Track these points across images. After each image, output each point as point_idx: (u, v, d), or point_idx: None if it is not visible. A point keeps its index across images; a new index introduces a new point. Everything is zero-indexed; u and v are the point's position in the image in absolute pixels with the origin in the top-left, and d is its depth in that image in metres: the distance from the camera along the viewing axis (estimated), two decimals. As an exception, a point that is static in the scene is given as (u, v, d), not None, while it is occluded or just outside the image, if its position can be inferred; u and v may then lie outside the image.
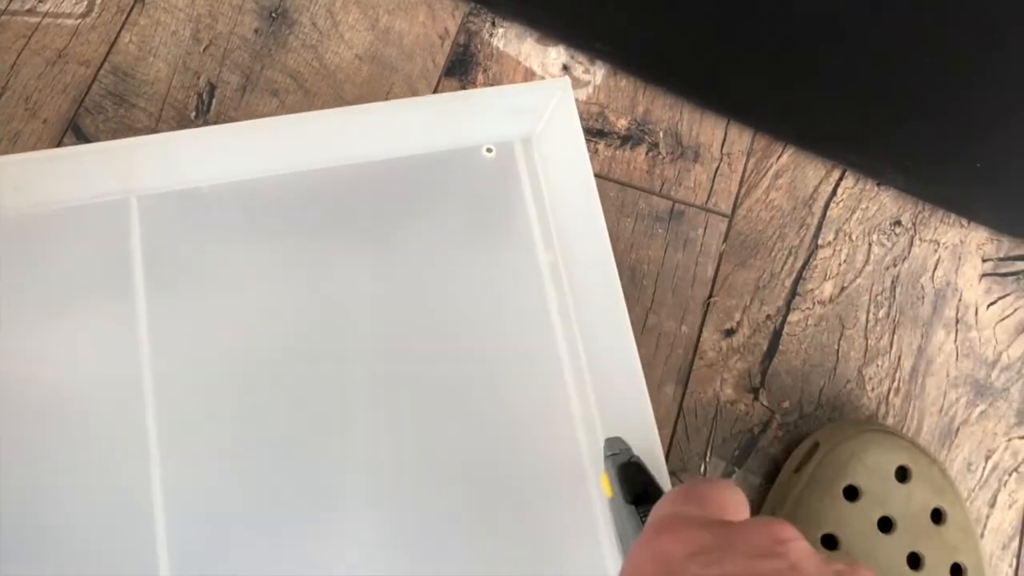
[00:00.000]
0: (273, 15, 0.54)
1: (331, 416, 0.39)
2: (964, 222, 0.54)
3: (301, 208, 0.40)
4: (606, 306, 0.39)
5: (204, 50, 0.53)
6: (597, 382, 0.41)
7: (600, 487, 0.37)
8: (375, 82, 0.53)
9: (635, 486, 0.34)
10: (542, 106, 0.40)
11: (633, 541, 0.29)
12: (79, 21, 0.52)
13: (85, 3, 0.53)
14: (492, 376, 0.40)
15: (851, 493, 0.44)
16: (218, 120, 0.51)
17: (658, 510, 0.29)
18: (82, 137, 0.50)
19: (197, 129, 0.37)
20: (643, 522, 0.31)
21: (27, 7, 0.52)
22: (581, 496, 0.40)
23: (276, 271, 0.39)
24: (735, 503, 0.29)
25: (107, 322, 0.38)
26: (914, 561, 0.43)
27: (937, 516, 0.44)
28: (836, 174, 0.54)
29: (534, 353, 0.41)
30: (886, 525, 0.43)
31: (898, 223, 0.54)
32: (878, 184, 0.54)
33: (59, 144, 0.50)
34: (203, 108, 0.52)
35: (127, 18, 0.53)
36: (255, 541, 0.38)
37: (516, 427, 0.41)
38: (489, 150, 0.42)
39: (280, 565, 0.37)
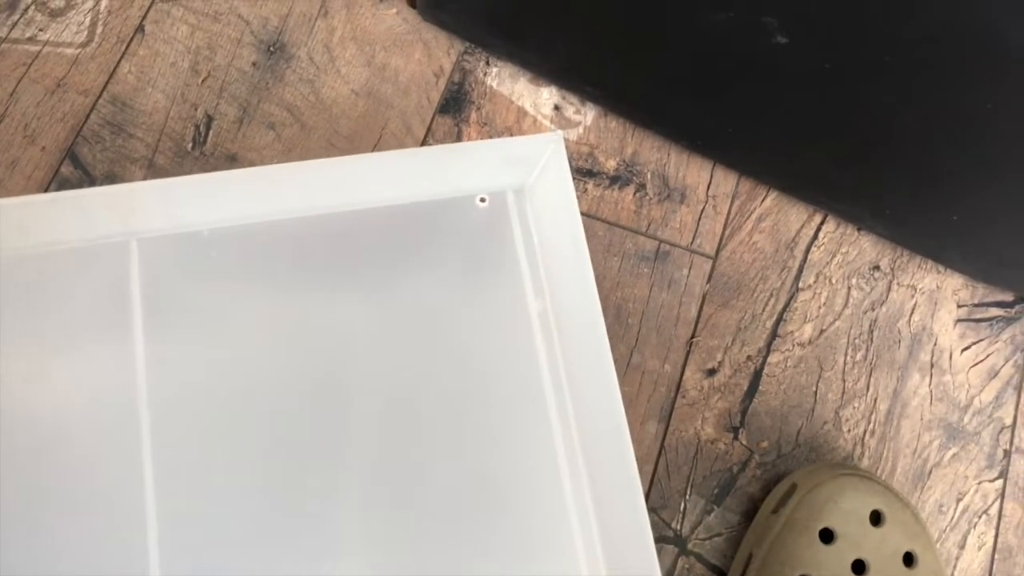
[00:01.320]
0: (271, 49, 0.55)
1: (324, 458, 0.40)
2: (940, 268, 0.56)
3: (297, 253, 0.41)
4: (592, 355, 0.40)
5: (202, 82, 0.54)
6: (582, 425, 0.42)
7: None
8: (370, 117, 0.54)
9: None
10: (535, 158, 0.42)
11: None
12: (79, 51, 0.53)
13: (86, 33, 0.54)
14: (482, 419, 0.41)
15: (827, 536, 0.45)
16: (214, 152, 0.52)
17: None
18: (79, 166, 0.51)
19: (197, 176, 0.38)
20: None
21: (27, 35, 0.53)
22: (563, 536, 0.41)
23: (272, 313, 0.40)
24: None
25: (105, 363, 0.38)
26: (886, 603, 0.44)
27: (909, 559, 0.45)
28: (818, 218, 0.56)
29: (522, 397, 0.42)
30: (860, 567, 0.45)
31: (877, 268, 0.55)
32: (858, 229, 0.56)
33: (56, 172, 0.51)
34: (200, 139, 0.52)
35: (127, 48, 0.54)
36: (250, 568, 0.39)
37: (503, 467, 0.42)
38: (483, 199, 0.43)
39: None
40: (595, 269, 0.45)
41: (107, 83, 0.53)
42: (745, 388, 0.52)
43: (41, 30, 0.53)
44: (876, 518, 0.46)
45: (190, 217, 0.39)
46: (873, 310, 0.55)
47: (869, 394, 0.53)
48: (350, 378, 0.40)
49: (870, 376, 0.53)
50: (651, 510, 0.50)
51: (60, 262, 0.38)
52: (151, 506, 0.38)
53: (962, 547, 0.51)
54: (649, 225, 0.54)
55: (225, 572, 0.38)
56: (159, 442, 0.38)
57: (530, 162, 0.42)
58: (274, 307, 0.40)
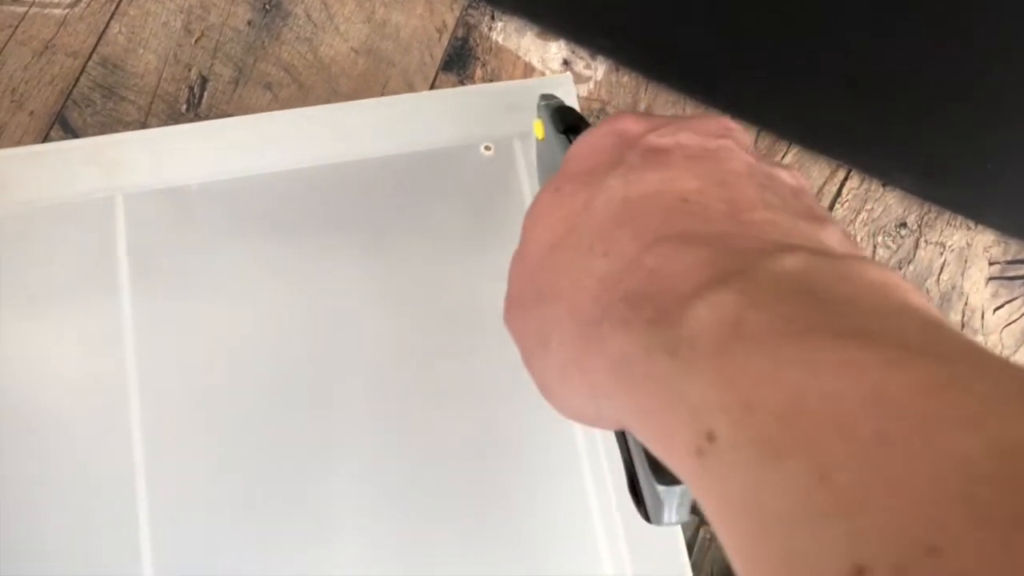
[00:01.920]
0: (267, 7, 0.52)
1: (321, 418, 0.38)
2: (971, 224, 0.53)
3: (292, 207, 0.39)
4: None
5: (195, 42, 0.51)
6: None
7: (533, 134, 0.37)
8: (371, 76, 0.52)
9: (568, 120, 0.34)
10: (543, 103, 0.39)
11: None
12: (67, 11, 0.51)
13: (73, -8, 0.51)
14: (489, 380, 0.39)
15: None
16: (210, 114, 0.50)
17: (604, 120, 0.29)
18: (69, 130, 0.49)
19: (185, 125, 0.36)
20: None
21: (13, -4, 0.51)
22: (579, 500, 0.39)
23: (266, 272, 0.38)
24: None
25: (92, 322, 0.36)
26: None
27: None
28: (841, 174, 0.53)
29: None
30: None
31: (904, 225, 0.53)
32: (884, 185, 0.53)
33: (46, 137, 0.49)
34: (194, 101, 0.50)
35: (116, 8, 0.52)
36: (243, 549, 0.37)
37: (514, 430, 0.40)
38: (488, 147, 0.41)
39: (267, 567, 0.36)
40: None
41: (96, 44, 0.51)
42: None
43: (27, -10, 0.51)
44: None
45: (178, 171, 0.37)
46: (900, 269, 0.52)
47: (898, 356, 0.51)
48: (349, 337, 0.38)
49: (898, 337, 0.51)
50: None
51: (42, 220, 0.36)
52: (140, 472, 0.37)
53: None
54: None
55: (216, 539, 0.36)
56: (147, 401, 0.36)
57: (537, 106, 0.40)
58: (268, 264, 0.38)
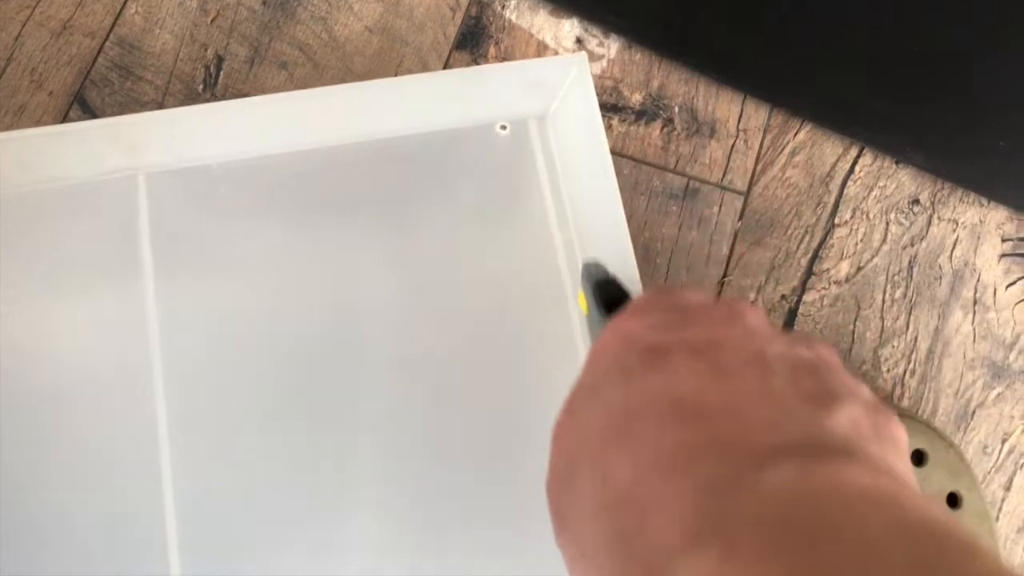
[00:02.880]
0: (281, -14, 0.53)
1: (344, 395, 0.38)
2: (984, 201, 0.53)
3: (310, 186, 0.39)
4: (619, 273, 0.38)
5: (211, 22, 0.52)
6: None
7: (578, 305, 0.37)
8: (385, 55, 0.52)
9: (610, 298, 0.34)
10: (558, 82, 0.39)
11: None
12: (84, -9, 0.51)
13: (90, -27, 0.52)
14: (507, 356, 0.40)
15: (866, 476, 0.43)
16: (226, 93, 0.51)
17: (627, 305, 0.30)
18: (88, 110, 0.49)
19: (205, 105, 0.36)
20: None
21: (31, -23, 0.51)
22: None
23: (286, 250, 0.39)
24: (701, 298, 0.30)
25: (115, 302, 0.37)
26: (929, 545, 0.42)
27: (953, 500, 0.44)
28: (854, 151, 0.53)
29: (548, 333, 0.40)
30: (901, 509, 0.43)
31: (916, 202, 0.53)
32: (896, 162, 0.53)
33: (65, 117, 0.49)
34: (211, 81, 0.51)
35: (133, -12, 0.52)
36: (267, 527, 0.38)
37: (531, 407, 0.41)
38: (503, 127, 0.41)
39: (291, 544, 0.37)
40: (621, 207, 0.43)
41: (114, 24, 0.51)
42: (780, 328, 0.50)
43: (45, -29, 0.52)
44: (919, 458, 0.44)
45: (198, 150, 0.37)
46: (912, 246, 0.52)
47: (909, 332, 0.51)
48: (366, 315, 0.39)
49: (910, 314, 0.51)
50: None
51: (64, 199, 0.37)
52: (165, 452, 0.37)
53: (1008, 488, 0.49)
54: (677, 162, 0.52)
55: (240, 509, 0.37)
56: (171, 379, 0.37)
57: (552, 86, 0.40)
58: (288, 243, 0.39)
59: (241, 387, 0.38)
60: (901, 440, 0.24)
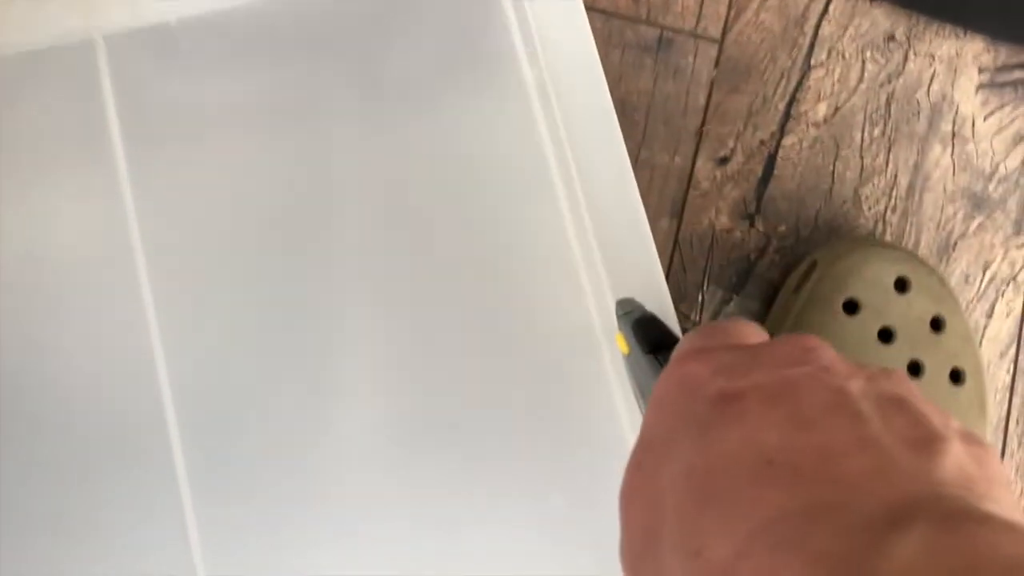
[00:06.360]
0: None
1: (325, 250, 0.38)
2: (960, 33, 0.52)
3: (278, 37, 0.38)
4: (599, 130, 0.38)
5: None
6: (595, 217, 0.40)
7: (616, 347, 0.37)
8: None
9: (652, 336, 0.34)
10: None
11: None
12: None
13: None
14: (481, 210, 0.40)
15: (851, 307, 0.44)
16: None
17: (680, 347, 0.29)
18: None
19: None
20: (663, 367, 0.31)
21: None
22: (594, 359, 0.40)
23: (258, 106, 0.38)
24: (755, 334, 0.28)
25: (84, 173, 0.36)
26: (915, 368, 0.43)
27: (937, 324, 0.44)
28: (827, -10, 0.52)
29: (526, 185, 0.40)
30: (886, 336, 0.44)
31: (892, 38, 0.52)
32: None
33: None
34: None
35: None
36: (257, 387, 0.38)
37: (513, 265, 0.41)
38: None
39: (291, 384, 0.37)
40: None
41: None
42: (759, 174, 0.50)
43: None
44: (901, 285, 0.44)
45: (155, 4, 0.36)
46: (890, 83, 0.52)
47: (889, 170, 0.51)
48: (347, 168, 0.38)
49: (889, 151, 0.51)
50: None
51: (16, 68, 0.35)
52: (153, 323, 0.37)
53: (990, 316, 0.50)
54: (649, 12, 0.51)
55: (230, 380, 0.37)
56: (152, 251, 0.36)
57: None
58: (259, 98, 0.38)
59: (222, 246, 0.37)
60: (1003, 473, 0.22)
